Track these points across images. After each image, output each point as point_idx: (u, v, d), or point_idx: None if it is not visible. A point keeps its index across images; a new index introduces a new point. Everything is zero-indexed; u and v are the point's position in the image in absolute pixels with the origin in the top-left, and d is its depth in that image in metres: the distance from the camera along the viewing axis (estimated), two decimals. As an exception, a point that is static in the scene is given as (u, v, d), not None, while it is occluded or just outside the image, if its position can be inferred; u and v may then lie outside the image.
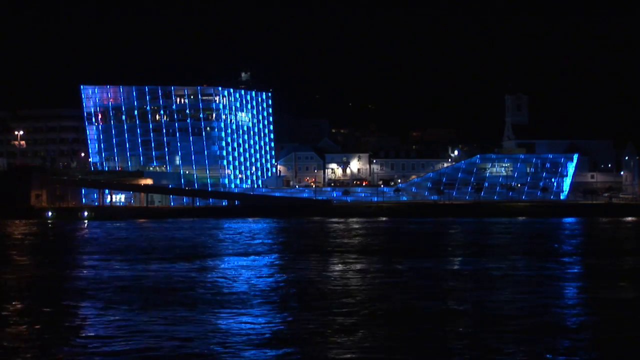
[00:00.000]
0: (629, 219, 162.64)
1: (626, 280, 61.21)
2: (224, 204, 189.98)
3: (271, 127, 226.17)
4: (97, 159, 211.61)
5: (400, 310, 46.20)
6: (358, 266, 70.32)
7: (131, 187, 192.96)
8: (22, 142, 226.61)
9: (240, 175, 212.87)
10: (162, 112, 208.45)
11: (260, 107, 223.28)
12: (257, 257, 79.34)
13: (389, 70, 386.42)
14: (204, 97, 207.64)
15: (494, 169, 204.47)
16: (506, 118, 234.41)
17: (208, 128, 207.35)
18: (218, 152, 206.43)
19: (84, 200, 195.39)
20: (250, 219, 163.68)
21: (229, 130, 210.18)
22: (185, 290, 54.63)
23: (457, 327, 40.93)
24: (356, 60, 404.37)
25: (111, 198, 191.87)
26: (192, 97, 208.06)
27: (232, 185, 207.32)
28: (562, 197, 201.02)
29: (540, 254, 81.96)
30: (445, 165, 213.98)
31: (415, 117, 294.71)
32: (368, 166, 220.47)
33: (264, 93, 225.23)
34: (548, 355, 34.91)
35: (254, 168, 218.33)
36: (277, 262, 75.45)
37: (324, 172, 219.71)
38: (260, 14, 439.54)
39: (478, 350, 35.71)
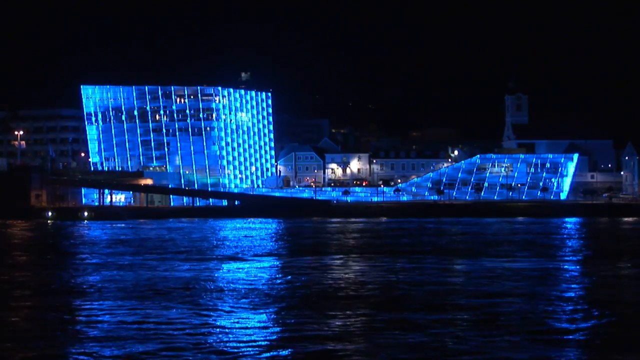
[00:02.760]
0: (629, 219, 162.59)
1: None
2: (224, 204, 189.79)
3: (271, 127, 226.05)
4: (97, 159, 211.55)
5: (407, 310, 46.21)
6: (359, 266, 70.31)
7: (131, 187, 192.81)
8: (22, 142, 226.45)
9: (240, 175, 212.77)
10: (162, 112, 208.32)
11: (260, 107, 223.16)
12: (266, 259, 79.39)
13: (389, 70, 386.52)
14: (204, 97, 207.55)
15: (494, 169, 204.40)
16: (506, 118, 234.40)
17: (208, 128, 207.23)
18: (218, 152, 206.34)
19: (84, 200, 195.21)
20: (250, 219, 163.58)
21: (229, 130, 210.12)
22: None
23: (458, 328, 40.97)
24: (356, 60, 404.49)
25: (111, 198, 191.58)
26: (192, 97, 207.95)
27: (232, 185, 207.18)
28: (562, 197, 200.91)
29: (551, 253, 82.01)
30: (445, 165, 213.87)
31: (415, 117, 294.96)
32: (368, 166, 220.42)
33: (264, 93, 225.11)
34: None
35: (253, 168, 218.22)
36: (278, 262, 75.43)
37: (324, 172, 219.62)
38: (260, 14, 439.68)
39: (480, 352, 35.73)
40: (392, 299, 50.86)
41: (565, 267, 71.03)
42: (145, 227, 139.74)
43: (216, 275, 64.08)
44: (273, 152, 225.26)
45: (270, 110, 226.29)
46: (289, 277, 62.79)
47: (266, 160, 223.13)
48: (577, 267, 71.94)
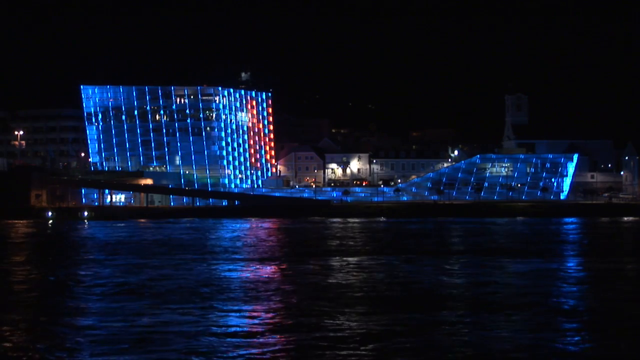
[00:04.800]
0: (629, 219, 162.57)
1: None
2: (224, 204, 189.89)
3: (271, 127, 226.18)
4: (97, 159, 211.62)
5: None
6: (359, 266, 70.28)
7: (131, 187, 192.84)
8: (22, 142, 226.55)
9: (240, 175, 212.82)
10: (162, 112, 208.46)
11: (260, 107, 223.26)
12: (269, 260, 79.38)
13: (389, 70, 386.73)
14: (204, 97, 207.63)
15: (494, 169, 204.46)
16: (506, 118, 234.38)
17: (208, 128, 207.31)
18: (218, 152, 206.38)
19: (84, 200, 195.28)
20: (250, 219, 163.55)
21: (229, 130, 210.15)
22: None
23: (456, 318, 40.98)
24: (356, 60, 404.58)
25: (111, 198, 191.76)
26: (192, 97, 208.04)
27: (232, 185, 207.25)
28: (562, 197, 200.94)
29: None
30: (445, 165, 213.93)
31: (415, 117, 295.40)
32: (368, 166, 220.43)
33: (264, 93, 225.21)
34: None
35: (254, 168, 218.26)
36: (277, 263, 75.40)
37: (324, 172, 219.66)
38: (260, 14, 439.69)
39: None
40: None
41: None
42: (145, 227, 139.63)
43: (215, 275, 64.05)
44: (273, 152, 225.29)
45: (270, 110, 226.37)
46: (289, 277, 62.76)
47: (266, 160, 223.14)
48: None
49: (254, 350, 35.71)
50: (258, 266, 70.77)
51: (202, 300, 49.69)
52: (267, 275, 63.92)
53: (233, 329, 40.68)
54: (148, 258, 78.35)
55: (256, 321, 42.71)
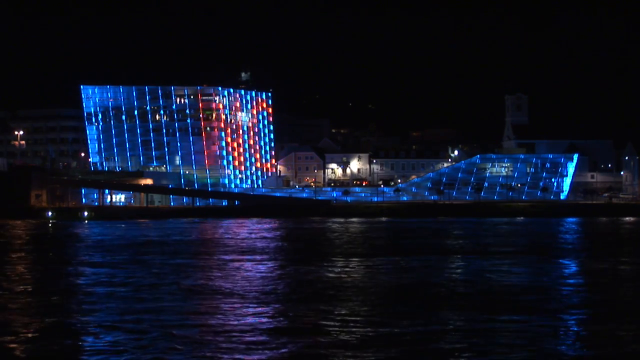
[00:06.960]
0: (629, 219, 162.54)
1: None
2: (224, 204, 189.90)
3: (271, 127, 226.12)
4: (97, 159, 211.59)
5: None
6: (359, 266, 70.31)
7: (131, 187, 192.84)
8: (22, 142, 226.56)
9: (240, 175, 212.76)
10: (162, 112, 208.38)
11: (260, 107, 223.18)
12: (264, 258, 79.38)
13: (389, 70, 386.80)
14: (204, 97, 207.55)
15: (494, 169, 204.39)
16: (506, 118, 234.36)
17: (208, 128, 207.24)
18: (218, 152, 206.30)
19: (84, 200, 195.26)
20: (250, 219, 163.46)
21: (229, 130, 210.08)
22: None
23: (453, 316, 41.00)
24: (356, 60, 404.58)
25: (111, 198, 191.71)
26: (192, 97, 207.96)
27: (232, 185, 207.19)
28: (562, 197, 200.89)
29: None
30: (445, 165, 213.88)
31: (415, 117, 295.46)
32: (368, 166, 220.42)
33: (264, 93, 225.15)
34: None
35: (254, 168, 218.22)
36: (277, 263, 75.40)
37: (324, 172, 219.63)
38: (260, 14, 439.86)
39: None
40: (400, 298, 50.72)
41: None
42: (148, 227, 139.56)
43: (216, 275, 64.06)
44: (273, 152, 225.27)
45: (270, 110, 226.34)
46: (289, 277, 62.76)
47: (266, 160, 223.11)
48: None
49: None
50: (258, 266, 70.80)
51: (203, 301, 49.72)
52: (267, 275, 63.97)
53: (230, 329, 40.70)
54: (188, 258, 78.31)
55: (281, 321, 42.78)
